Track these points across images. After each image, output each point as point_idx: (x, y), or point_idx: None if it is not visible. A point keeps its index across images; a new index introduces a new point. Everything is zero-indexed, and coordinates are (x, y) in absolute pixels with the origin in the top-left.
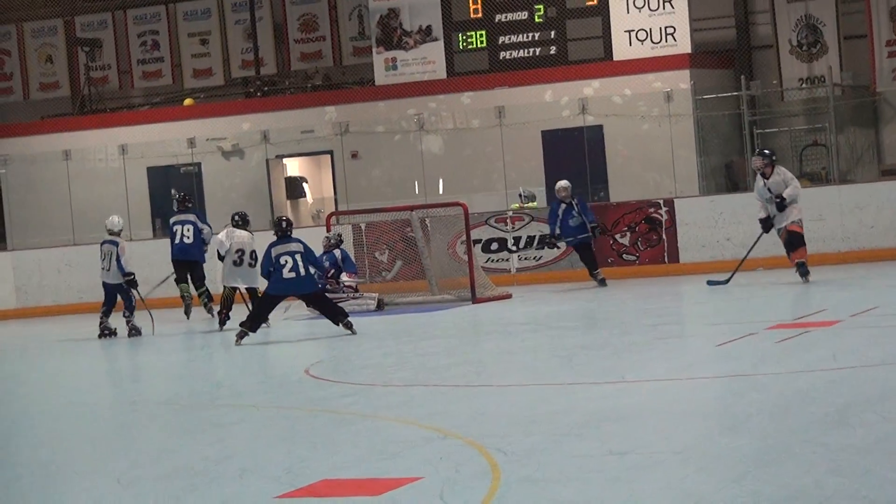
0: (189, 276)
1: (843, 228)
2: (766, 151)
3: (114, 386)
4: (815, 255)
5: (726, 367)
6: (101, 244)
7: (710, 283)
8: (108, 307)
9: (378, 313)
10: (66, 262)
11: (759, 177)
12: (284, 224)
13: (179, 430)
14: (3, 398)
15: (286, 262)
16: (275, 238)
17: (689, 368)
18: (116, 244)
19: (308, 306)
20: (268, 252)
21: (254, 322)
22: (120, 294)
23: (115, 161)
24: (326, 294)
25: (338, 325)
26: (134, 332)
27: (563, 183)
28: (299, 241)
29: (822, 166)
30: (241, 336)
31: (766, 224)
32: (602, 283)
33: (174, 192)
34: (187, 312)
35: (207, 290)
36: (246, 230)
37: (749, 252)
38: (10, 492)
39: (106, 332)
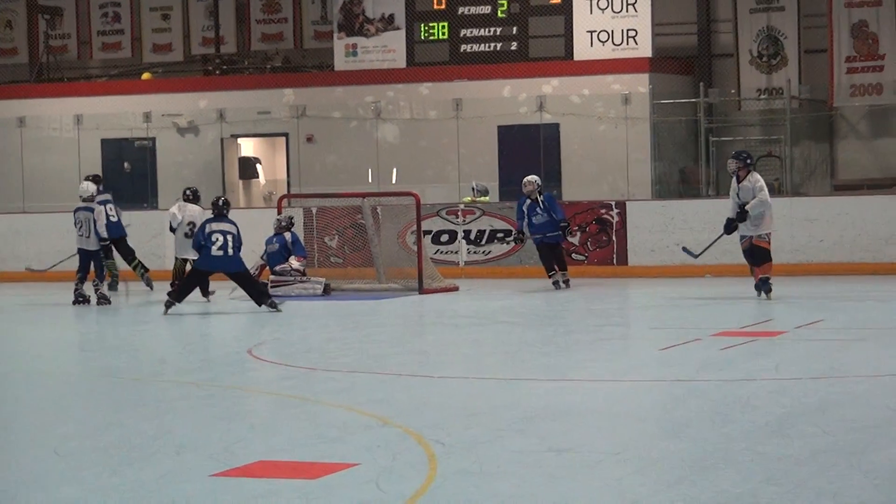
0: (116, 253)
1: (792, 240)
2: (743, 154)
3: (59, 356)
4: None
5: (669, 371)
6: (76, 211)
7: (683, 249)
8: (83, 274)
9: (324, 298)
10: (13, 229)
11: (734, 178)
12: (221, 203)
13: (120, 404)
14: None
15: (217, 239)
16: (211, 215)
17: (632, 371)
18: (93, 210)
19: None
20: (202, 227)
21: (180, 294)
22: (94, 261)
23: (70, 131)
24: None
25: (260, 305)
26: (103, 300)
27: (529, 177)
28: (234, 223)
29: (775, 178)
30: (168, 306)
31: (730, 227)
32: (557, 286)
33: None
34: (114, 287)
35: (140, 262)
36: (197, 205)
37: (715, 241)
38: None
39: (80, 299)
